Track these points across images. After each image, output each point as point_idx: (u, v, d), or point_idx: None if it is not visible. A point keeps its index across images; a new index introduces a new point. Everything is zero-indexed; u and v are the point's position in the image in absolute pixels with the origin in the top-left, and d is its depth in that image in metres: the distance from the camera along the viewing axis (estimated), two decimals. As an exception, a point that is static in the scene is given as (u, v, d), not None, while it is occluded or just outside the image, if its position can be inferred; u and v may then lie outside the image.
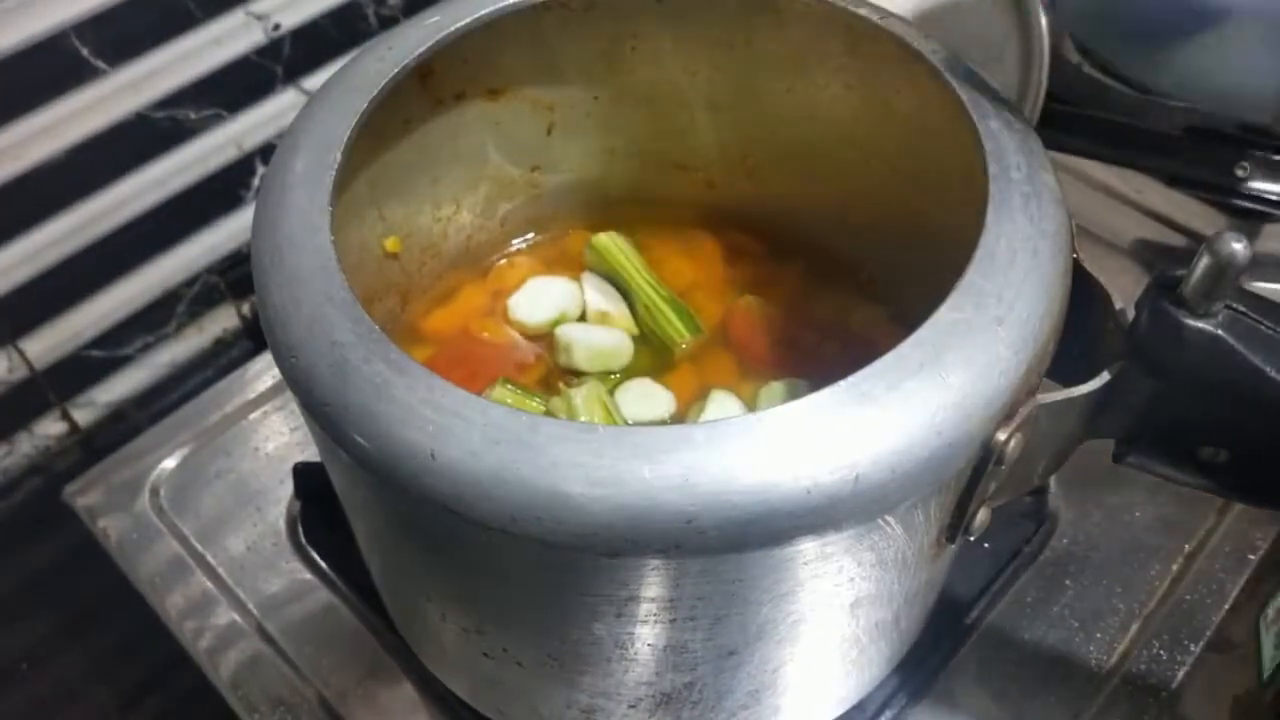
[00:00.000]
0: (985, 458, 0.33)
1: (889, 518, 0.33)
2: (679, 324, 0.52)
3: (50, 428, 0.67)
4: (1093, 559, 0.54)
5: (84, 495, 0.59)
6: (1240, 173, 0.66)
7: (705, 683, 0.39)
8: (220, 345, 0.73)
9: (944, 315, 0.33)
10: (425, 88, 0.47)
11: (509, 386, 0.49)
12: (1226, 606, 0.52)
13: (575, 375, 0.51)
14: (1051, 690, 0.50)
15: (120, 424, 0.70)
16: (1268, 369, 0.34)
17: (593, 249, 0.55)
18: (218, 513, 0.57)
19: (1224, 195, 0.68)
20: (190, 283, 0.69)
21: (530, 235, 0.56)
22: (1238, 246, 0.32)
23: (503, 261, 0.56)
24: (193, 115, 0.63)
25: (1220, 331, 0.34)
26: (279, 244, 0.36)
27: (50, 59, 0.56)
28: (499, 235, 0.56)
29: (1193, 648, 0.51)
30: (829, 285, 0.54)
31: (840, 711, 0.47)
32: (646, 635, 0.36)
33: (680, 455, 0.30)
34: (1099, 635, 0.51)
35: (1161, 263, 0.66)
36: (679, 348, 0.52)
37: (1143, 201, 0.69)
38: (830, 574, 0.34)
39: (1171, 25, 0.33)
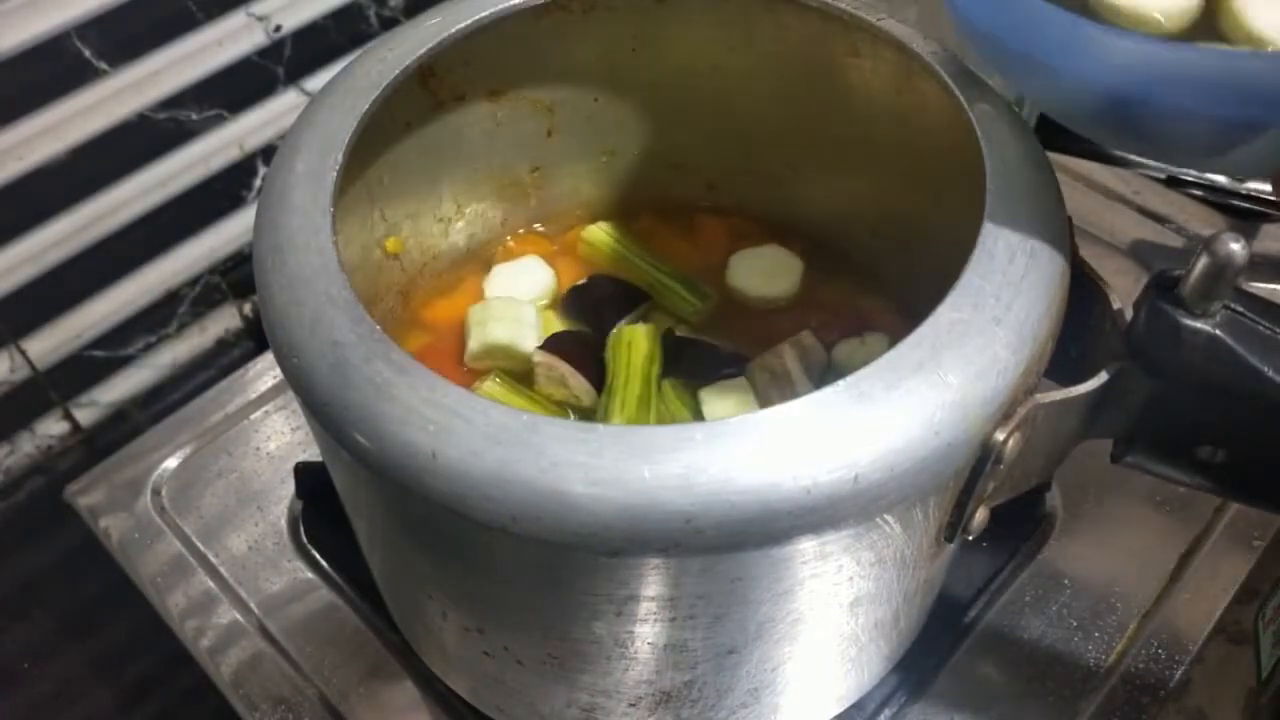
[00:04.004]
0: (984, 457, 0.33)
1: (888, 517, 0.33)
2: (687, 294, 0.53)
3: (52, 427, 0.67)
4: (1091, 558, 0.54)
5: (86, 495, 0.59)
6: (1239, 173, 0.67)
7: (705, 681, 0.39)
8: (222, 345, 0.73)
9: (942, 315, 0.33)
10: (426, 89, 0.47)
11: (498, 380, 0.49)
12: (1224, 605, 0.52)
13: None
14: (1050, 689, 0.50)
15: (122, 424, 0.70)
16: (1265, 369, 0.34)
17: (585, 242, 0.55)
18: (219, 512, 0.58)
19: (1222, 196, 0.69)
20: (192, 283, 0.69)
21: (530, 233, 0.57)
22: (1236, 247, 0.32)
23: (501, 252, 0.56)
24: (194, 116, 0.64)
25: (1218, 331, 0.34)
26: (280, 244, 0.36)
27: (52, 60, 0.56)
28: (499, 235, 0.56)
29: (1190, 647, 0.51)
30: (830, 281, 0.54)
31: (839, 710, 0.47)
32: (646, 634, 0.36)
33: (680, 455, 0.30)
34: (1097, 634, 0.51)
35: (1160, 263, 0.66)
36: (693, 319, 0.52)
37: (1141, 202, 0.69)
38: (829, 573, 0.34)
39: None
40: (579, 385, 0.49)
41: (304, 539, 0.56)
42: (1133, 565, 0.54)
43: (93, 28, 0.57)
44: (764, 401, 0.48)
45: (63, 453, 0.68)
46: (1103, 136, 0.38)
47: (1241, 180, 0.67)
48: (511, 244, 0.56)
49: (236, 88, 0.65)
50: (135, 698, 0.57)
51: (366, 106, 0.40)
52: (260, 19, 0.64)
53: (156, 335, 0.69)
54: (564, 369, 0.49)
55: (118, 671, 0.58)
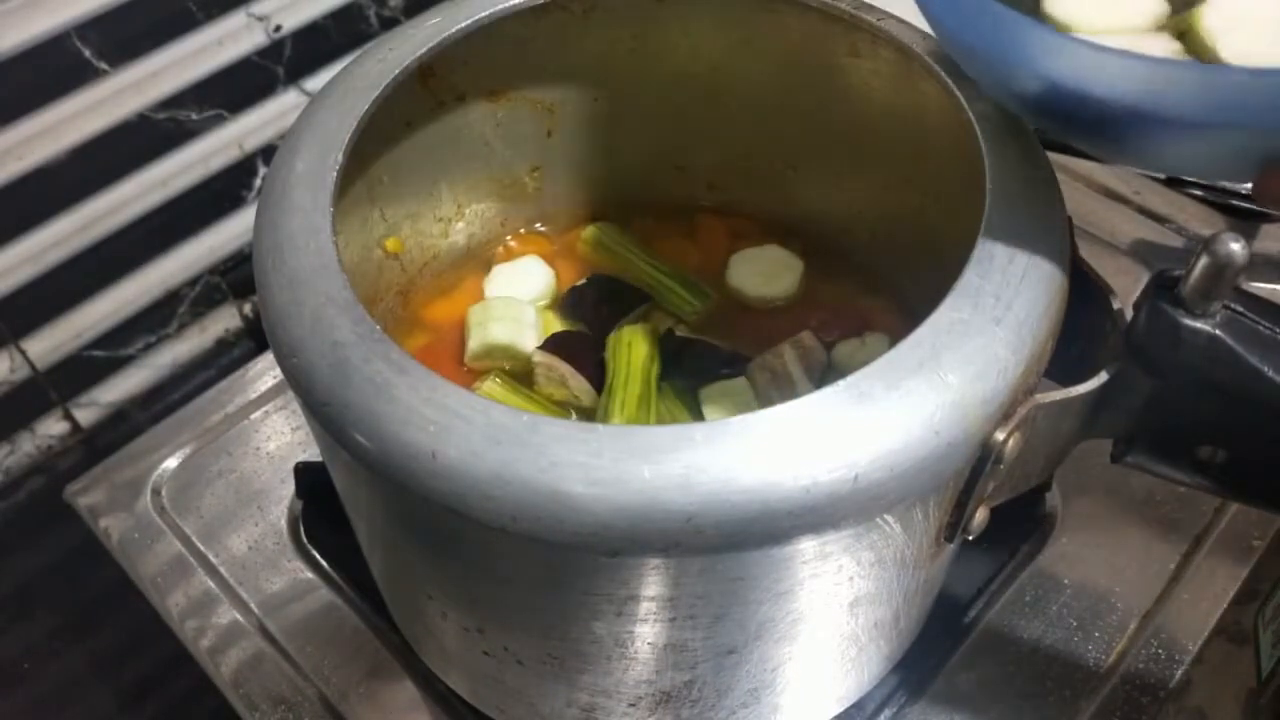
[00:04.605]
0: (983, 457, 0.33)
1: (888, 517, 0.33)
2: (686, 295, 0.53)
3: (52, 427, 0.67)
4: (1091, 558, 0.54)
5: (86, 495, 0.59)
6: (1238, 173, 0.66)
7: (705, 681, 0.39)
8: (222, 345, 0.73)
9: (942, 315, 0.33)
10: (426, 89, 0.47)
11: (498, 380, 0.49)
12: (1224, 605, 0.52)
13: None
14: (1050, 689, 0.50)
15: (122, 424, 0.70)
16: (1265, 369, 0.34)
17: (585, 242, 0.55)
18: (219, 512, 0.58)
19: (1222, 195, 0.69)
20: (192, 283, 0.69)
21: (530, 233, 0.57)
22: (1236, 247, 0.32)
23: (502, 252, 0.56)
24: (194, 116, 0.64)
25: (1218, 331, 0.34)
26: (280, 244, 0.36)
27: (52, 60, 0.56)
28: (499, 235, 0.56)
29: (1191, 647, 0.51)
30: (830, 281, 0.54)
31: (839, 710, 0.47)
32: (646, 634, 0.36)
33: (680, 454, 0.30)
34: (1097, 634, 0.51)
35: (1160, 263, 0.66)
36: (692, 319, 0.53)
37: (1142, 202, 0.69)
38: (829, 573, 0.34)
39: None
40: (579, 385, 0.49)
41: (304, 539, 0.56)
42: (1133, 565, 0.54)
43: (93, 28, 0.57)
44: (764, 401, 0.48)
45: (63, 453, 0.68)
46: (1059, 133, 0.37)
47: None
48: (511, 244, 0.56)
49: (236, 88, 0.65)
50: (135, 698, 0.57)
51: (366, 106, 0.40)
52: (260, 19, 0.64)
53: (156, 335, 0.69)
54: (564, 369, 0.49)
55: (118, 671, 0.58)
